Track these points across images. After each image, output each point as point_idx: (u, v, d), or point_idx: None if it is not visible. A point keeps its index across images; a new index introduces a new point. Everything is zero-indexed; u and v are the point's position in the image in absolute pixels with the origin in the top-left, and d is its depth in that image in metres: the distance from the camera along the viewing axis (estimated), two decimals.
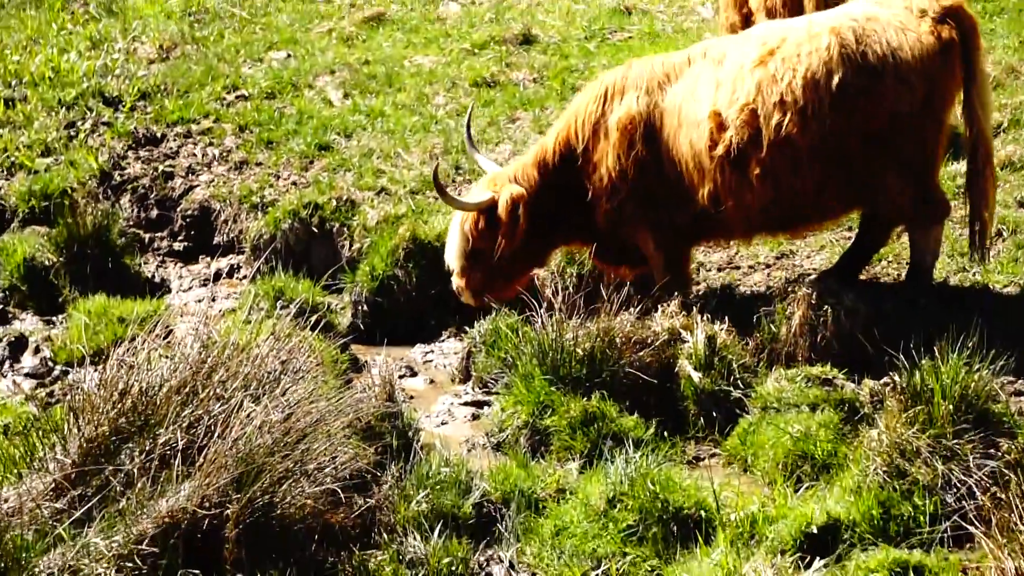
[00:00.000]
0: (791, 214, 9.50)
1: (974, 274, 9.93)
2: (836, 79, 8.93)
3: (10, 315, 12.07)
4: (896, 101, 8.95)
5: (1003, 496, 6.86)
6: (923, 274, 9.50)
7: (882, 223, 9.73)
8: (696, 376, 8.92)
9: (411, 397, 9.96)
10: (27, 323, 11.90)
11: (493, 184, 10.16)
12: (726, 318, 9.30)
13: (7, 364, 10.90)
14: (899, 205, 9.22)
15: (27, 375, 10.63)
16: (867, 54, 8.93)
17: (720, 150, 9.26)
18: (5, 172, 13.96)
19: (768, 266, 10.73)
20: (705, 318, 9.26)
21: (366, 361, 10.60)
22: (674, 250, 9.94)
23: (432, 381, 10.68)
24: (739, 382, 8.91)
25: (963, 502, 7.22)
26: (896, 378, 7.91)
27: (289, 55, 16.28)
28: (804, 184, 9.21)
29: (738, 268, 10.81)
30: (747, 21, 11.82)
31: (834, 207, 9.55)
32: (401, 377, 10.41)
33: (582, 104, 10.05)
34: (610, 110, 9.82)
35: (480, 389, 10.10)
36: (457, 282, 10.39)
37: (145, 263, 13.08)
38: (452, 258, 10.32)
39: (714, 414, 8.86)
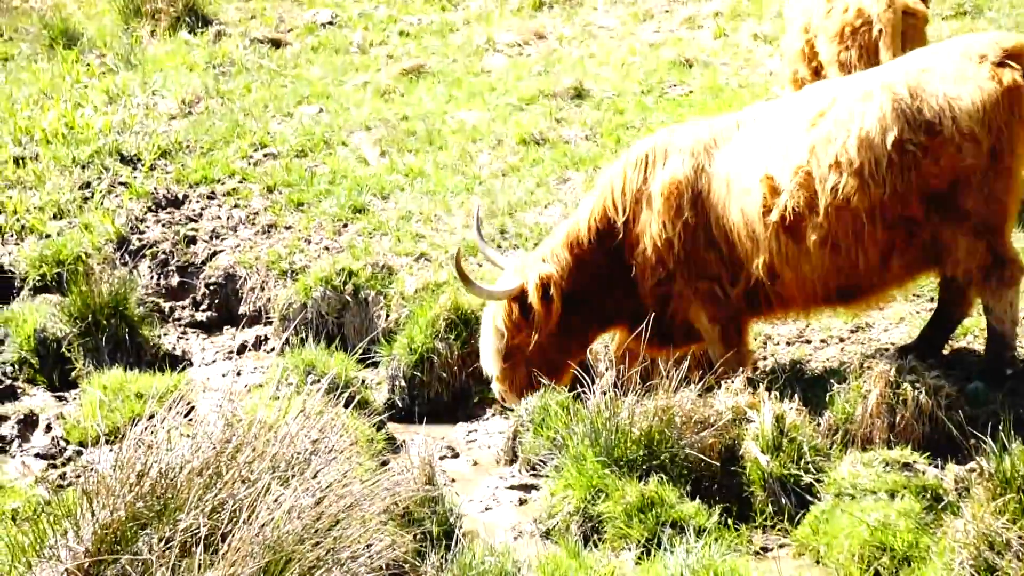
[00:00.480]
0: (853, 283, 9.49)
1: None
2: (892, 137, 8.95)
3: (19, 391, 12.05)
4: (958, 156, 8.94)
5: None
6: (1004, 343, 9.43)
7: (959, 289, 9.66)
8: (763, 459, 8.88)
9: (453, 480, 9.97)
10: (38, 399, 11.90)
11: (521, 271, 10.20)
12: (796, 396, 9.27)
13: (16, 443, 10.89)
14: (968, 268, 9.18)
15: (37, 455, 10.62)
16: (923, 109, 8.94)
17: (775, 216, 9.30)
18: (15, 236, 14.08)
19: (842, 340, 10.69)
20: (773, 396, 9.23)
21: (404, 441, 10.61)
22: (730, 323, 9.93)
23: (475, 463, 10.67)
24: (810, 466, 8.86)
25: None
26: (984, 463, 7.82)
27: (321, 110, 16.42)
28: (867, 251, 9.23)
29: (809, 342, 10.78)
30: (816, 75, 11.87)
31: (900, 275, 9.53)
32: (442, 458, 10.42)
33: (619, 174, 10.07)
34: (652, 177, 9.84)
35: (528, 472, 10.08)
36: (499, 387, 10.47)
37: (165, 334, 13.14)
38: (489, 362, 10.38)
39: (783, 501, 8.81)
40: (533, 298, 9.94)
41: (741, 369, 9.60)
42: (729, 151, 9.62)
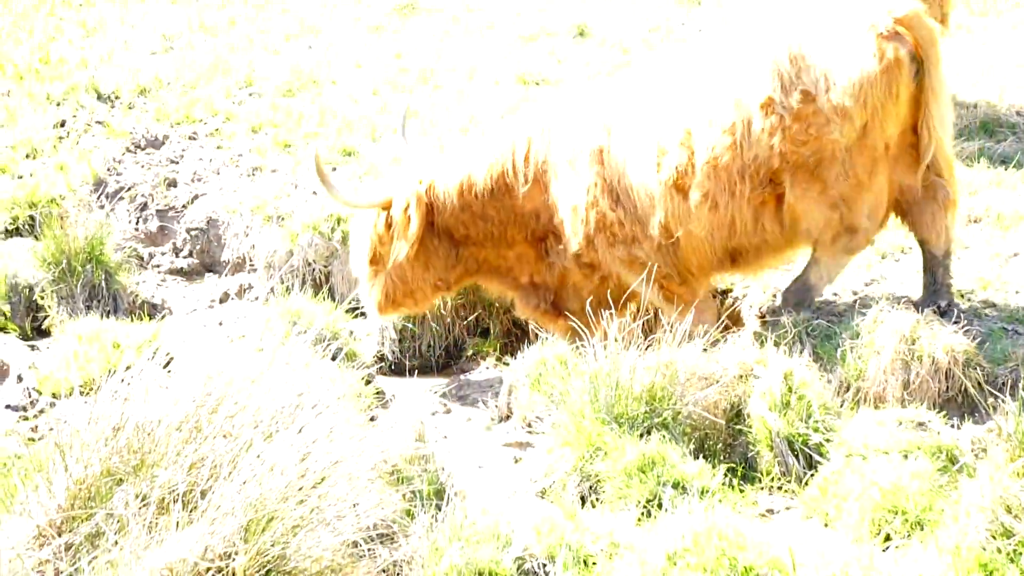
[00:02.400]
0: (735, 243, 9.83)
1: None
2: (763, 99, 9.24)
3: None
4: (827, 128, 9.18)
5: None
6: (811, 287, 9.98)
7: (919, 219, 9.74)
8: (771, 417, 8.89)
9: (444, 437, 10.00)
10: (8, 348, 11.89)
11: (402, 182, 10.62)
12: (805, 352, 9.31)
13: None
14: (822, 236, 9.57)
15: (8, 407, 10.61)
16: (800, 76, 9.20)
17: (665, 175, 9.67)
18: None
19: (855, 293, 10.69)
20: (781, 352, 9.26)
21: (394, 395, 10.64)
22: (667, 280, 10.17)
23: (469, 419, 10.68)
24: (820, 425, 8.85)
25: None
26: (1002, 423, 7.83)
27: (310, 46, 16.36)
28: (742, 210, 9.57)
29: (820, 296, 10.78)
30: None
31: (777, 235, 9.78)
32: (433, 414, 10.45)
33: (522, 140, 10.44)
34: (557, 145, 10.25)
35: (523, 428, 10.11)
36: (364, 293, 10.89)
37: (143, 281, 13.15)
38: (357, 264, 10.83)
39: (791, 461, 8.81)
40: (396, 213, 10.44)
41: (696, 321, 9.69)
42: (624, 110, 9.98)
